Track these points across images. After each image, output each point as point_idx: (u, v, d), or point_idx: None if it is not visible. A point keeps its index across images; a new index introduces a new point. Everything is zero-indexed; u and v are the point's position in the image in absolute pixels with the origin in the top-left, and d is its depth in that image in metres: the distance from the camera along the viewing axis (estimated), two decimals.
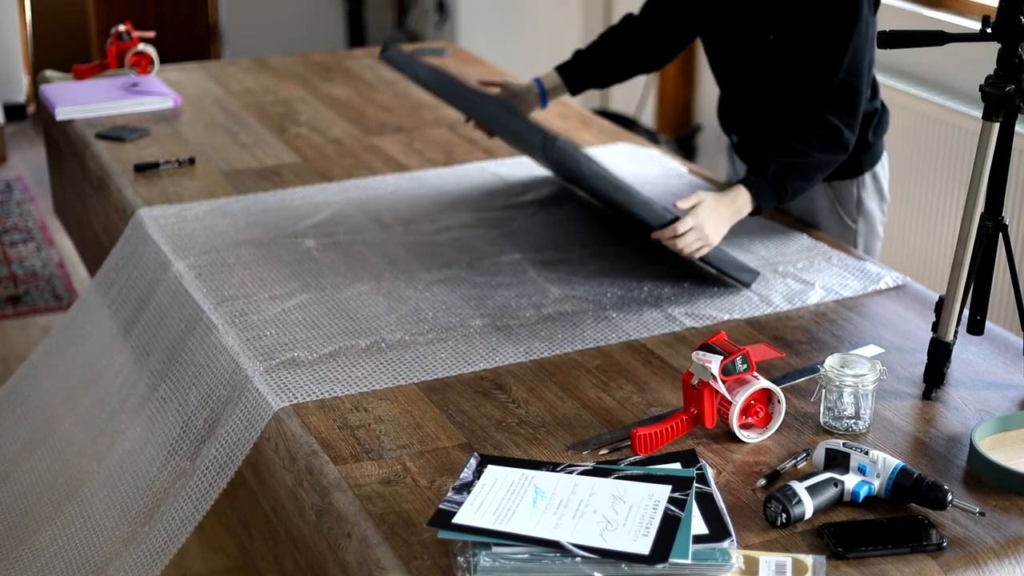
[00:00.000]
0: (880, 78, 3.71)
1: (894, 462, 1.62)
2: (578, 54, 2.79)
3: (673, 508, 1.54)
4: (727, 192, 2.30)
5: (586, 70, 2.77)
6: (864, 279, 2.33)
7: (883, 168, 2.59)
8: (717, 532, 1.52)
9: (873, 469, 1.62)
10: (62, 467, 2.33)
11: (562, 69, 2.78)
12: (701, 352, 1.79)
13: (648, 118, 5.40)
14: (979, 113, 1.92)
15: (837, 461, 1.65)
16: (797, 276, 2.34)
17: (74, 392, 2.48)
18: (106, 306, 2.56)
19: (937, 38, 1.95)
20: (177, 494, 1.97)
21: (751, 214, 2.32)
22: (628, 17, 2.73)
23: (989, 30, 1.88)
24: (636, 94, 5.34)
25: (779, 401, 1.81)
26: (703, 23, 2.60)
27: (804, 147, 2.33)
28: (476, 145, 3.10)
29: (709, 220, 2.24)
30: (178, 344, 2.22)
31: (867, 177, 2.55)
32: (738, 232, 2.40)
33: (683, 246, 2.22)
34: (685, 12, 2.63)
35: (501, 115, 2.50)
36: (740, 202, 2.29)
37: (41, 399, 2.58)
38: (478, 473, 1.65)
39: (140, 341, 2.37)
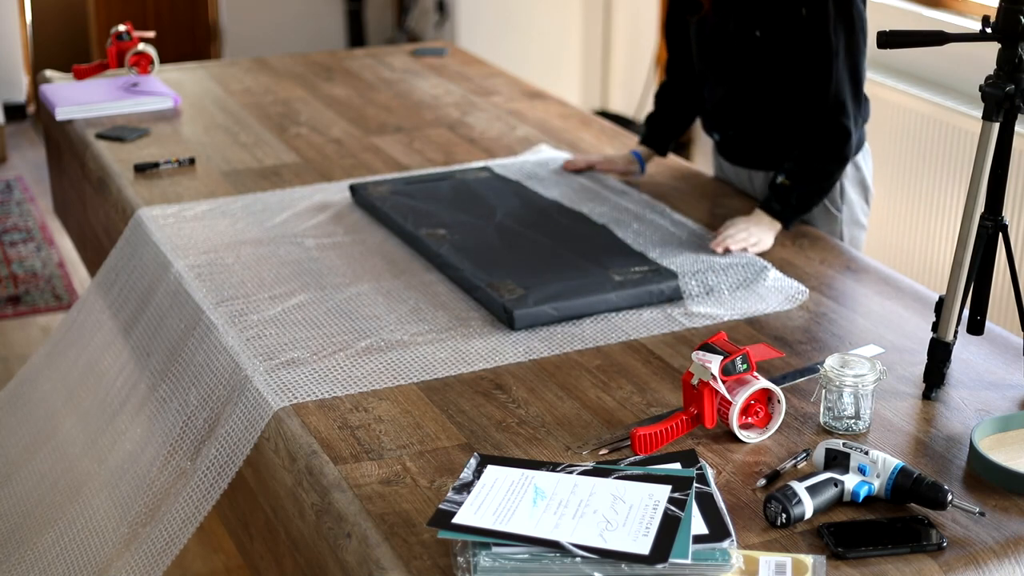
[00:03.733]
0: (880, 78, 3.73)
1: (894, 462, 1.62)
2: (650, 120, 2.89)
3: (673, 508, 1.54)
4: (751, 216, 2.45)
5: (662, 131, 2.88)
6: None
7: (865, 159, 2.62)
8: (717, 532, 1.52)
9: (873, 469, 1.62)
10: (64, 469, 2.33)
11: (647, 140, 2.88)
12: (701, 352, 1.79)
13: None
14: (979, 113, 1.92)
15: (837, 461, 1.65)
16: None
17: (75, 393, 2.48)
18: (106, 307, 2.56)
19: (937, 38, 1.95)
20: (178, 495, 1.97)
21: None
22: (668, 69, 2.86)
23: (989, 30, 1.88)
24: (636, 94, 5.34)
25: (779, 401, 1.81)
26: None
27: (822, 164, 2.45)
28: (476, 145, 3.10)
29: (748, 224, 2.42)
30: (178, 344, 2.22)
31: (848, 166, 2.56)
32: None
33: (733, 242, 2.38)
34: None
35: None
36: (768, 220, 2.46)
37: (42, 401, 2.58)
38: (478, 473, 1.65)
39: (140, 341, 2.37)
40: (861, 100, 2.47)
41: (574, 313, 2.18)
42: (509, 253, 2.39)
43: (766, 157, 2.64)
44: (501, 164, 2.91)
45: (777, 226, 2.45)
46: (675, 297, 2.25)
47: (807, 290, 2.29)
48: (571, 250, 2.40)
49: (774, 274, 2.33)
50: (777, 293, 2.27)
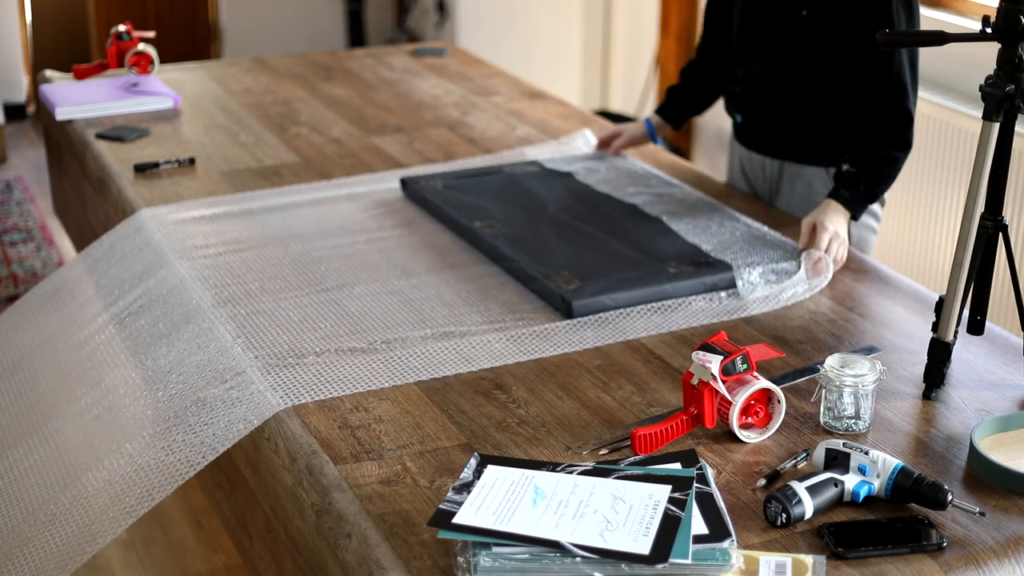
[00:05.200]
0: None
1: (894, 462, 1.62)
2: (671, 92, 2.93)
3: (673, 508, 1.54)
4: (825, 208, 2.40)
5: (682, 105, 2.91)
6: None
7: None
8: (717, 532, 1.52)
9: (873, 469, 1.62)
10: (58, 457, 2.31)
11: (662, 110, 2.93)
12: (701, 352, 1.79)
13: None
14: (979, 113, 1.92)
15: (837, 461, 1.65)
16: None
17: (69, 384, 2.47)
18: (103, 304, 2.55)
19: (937, 38, 1.95)
20: (160, 469, 1.93)
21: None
22: (699, 48, 2.88)
23: (989, 30, 1.88)
24: (636, 94, 5.34)
25: (779, 401, 1.81)
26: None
27: (890, 151, 2.45)
28: (476, 145, 3.10)
29: (832, 223, 2.37)
30: (178, 344, 2.22)
31: None
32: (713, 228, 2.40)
33: (836, 256, 2.35)
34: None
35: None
36: (842, 211, 2.41)
37: (37, 394, 2.57)
38: (478, 473, 1.65)
39: (139, 340, 2.36)
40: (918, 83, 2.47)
41: (630, 303, 2.21)
42: (563, 245, 2.41)
43: (784, 144, 2.65)
44: (550, 159, 2.93)
45: (848, 215, 2.42)
46: (729, 287, 2.28)
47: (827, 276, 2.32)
48: (625, 242, 2.43)
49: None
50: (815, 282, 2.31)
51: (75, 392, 2.27)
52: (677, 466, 1.68)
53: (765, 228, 2.52)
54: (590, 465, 1.67)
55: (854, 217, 2.43)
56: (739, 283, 2.28)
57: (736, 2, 2.67)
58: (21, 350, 2.56)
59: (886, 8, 2.39)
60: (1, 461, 2.22)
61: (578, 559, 1.46)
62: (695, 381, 1.79)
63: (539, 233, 2.48)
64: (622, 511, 1.54)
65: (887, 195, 2.64)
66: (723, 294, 2.26)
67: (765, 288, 2.28)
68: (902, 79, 2.42)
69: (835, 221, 2.38)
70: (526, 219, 2.55)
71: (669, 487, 1.59)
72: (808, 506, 1.59)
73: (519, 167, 2.86)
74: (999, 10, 1.87)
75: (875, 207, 2.63)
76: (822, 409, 1.84)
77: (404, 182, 2.75)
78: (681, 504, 1.55)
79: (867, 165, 2.43)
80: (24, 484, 2.12)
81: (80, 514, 2.05)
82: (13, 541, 2.04)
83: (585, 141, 3.09)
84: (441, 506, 1.56)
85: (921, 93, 3.60)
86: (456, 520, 1.53)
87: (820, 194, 2.59)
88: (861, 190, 2.42)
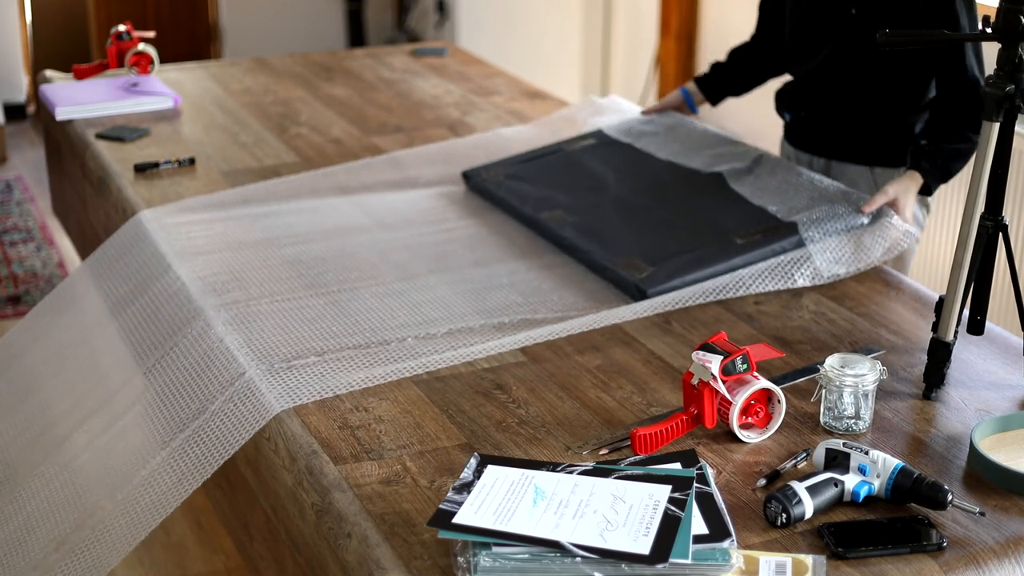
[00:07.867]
0: None
1: (894, 462, 1.62)
2: (715, 67, 2.93)
3: (673, 508, 1.54)
4: (909, 182, 2.42)
5: (723, 81, 2.92)
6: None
7: None
8: (717, 532, 1.52)
9: (873, 469, 1.62)
10: (73, 489, 2.31)
11: (702, 82, 2.93)
12: (701, 352, 1.79)
13: None
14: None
15: (837, 461, 1.65)
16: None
17: (73, 388, 2.47)
18: (110, 314, 2.56)
19: (937, 38, 1.95)
20: (166, 477, 1.94)
21: (920, 192, 2.46)
22: (753, 36, 2.89)
23: (989, 30, 1.88)
24: (636, 95, 5.34)
25: (779, 401, 1.81)
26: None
27: (960, 127, 2.44)
28: (476, 145, 3.10)
29: (911, 205, 2.42)
30: (177, 343, 2.22)
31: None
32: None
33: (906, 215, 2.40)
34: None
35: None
36: (916, 179, 2.43)
37: (39, 406, 2.57)
38: (478, 473, 1.65)
39: (138, 340, 2.36)
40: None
41: (701, 281, 2.24)
42: (630, 229, 2.43)
43: (830, 143, 2.66)
44: (611, 125, 2.95)
45: (918, 184, 2.44)
46: (798, 248, 2.32)
47: (916, 231, 2.37)
48: (691, 216, 2.45)
49: (889, 214, 2.38)
50: (886, 236, 2.35)
51: (86, 413, 2.27)
52: (677, 466, 1.68)
53: (828, 180, 2.53)
54: (590, 465, 1.67)
55: (928, 191, 2.45)
56: (806, 240, 2.31)
57: (787, 3, 2.67)
58: (33, 372, 2.55)
59: (950, 8, 2.39)
60: (19, 491, 2.21)
61: (578, 559, 1.46)
62: (695, 381, 1.79)
63: (605, 218, 2.48)
64: (622, 511, 1.54)
65: (935, 206, 2.67)
66: (798, 273, 2.28)
67: (836, 252, 2.31)
68: (974, 76, 2.43)
69: (912, 201, 2.41)
70: (590, 204, 2.55)
71: (669, 487, 1.59)
72: (808, 506, 1.59)
73: (576, 142, 2.86)
74: (999, 10, 1.87)
75: (920, 216, 2.62)
76: (822, 409, 1.84)
77: (466, 175, 2.76)
78: (681, 504, 1.55)
79: (947, 138, 2.43)
80: (40, 517, 2.12)
81: (94, 538, 2.05)
82: (28, 568, 2.04)
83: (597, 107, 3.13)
84: (441, 506, 1.56)
85: None
86: (456, 520, 1.53)
87: (863, 191, 2.59)
88: (939, 164, 2.43)
